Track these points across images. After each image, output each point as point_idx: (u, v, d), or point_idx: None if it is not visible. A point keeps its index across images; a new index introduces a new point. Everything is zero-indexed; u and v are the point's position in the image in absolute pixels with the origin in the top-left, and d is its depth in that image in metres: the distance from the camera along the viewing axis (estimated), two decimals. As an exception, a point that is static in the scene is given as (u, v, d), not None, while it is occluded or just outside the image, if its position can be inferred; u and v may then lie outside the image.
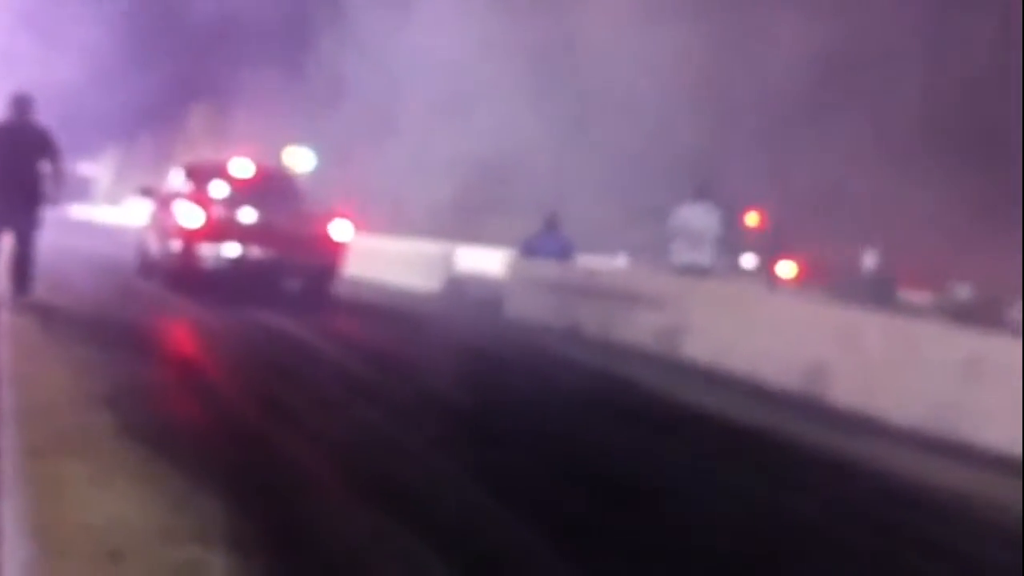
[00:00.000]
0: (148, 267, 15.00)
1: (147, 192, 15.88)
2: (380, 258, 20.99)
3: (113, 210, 50.47)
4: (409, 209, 33.98)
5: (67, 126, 14.62)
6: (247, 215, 13.30)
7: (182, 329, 10.52)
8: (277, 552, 3.74)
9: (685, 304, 11.50)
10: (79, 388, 6.20)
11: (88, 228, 36.32)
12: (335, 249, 13.67)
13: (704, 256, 12.05)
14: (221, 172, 14.52)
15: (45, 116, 10.96)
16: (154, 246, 14.61)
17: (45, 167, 10.53)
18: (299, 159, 36.69)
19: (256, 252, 12.92)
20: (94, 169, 72.94)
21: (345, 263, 14.09)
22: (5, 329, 8.38)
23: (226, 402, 6.59)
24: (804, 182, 23.94)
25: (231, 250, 12.88)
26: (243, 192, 13.91)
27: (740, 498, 5.48)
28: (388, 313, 14.18)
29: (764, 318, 10.37)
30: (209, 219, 12.97)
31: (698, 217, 12.05)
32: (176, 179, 15.03)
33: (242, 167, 14.64)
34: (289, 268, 13.14)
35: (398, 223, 25.17)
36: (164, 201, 14.61)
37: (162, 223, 14.23)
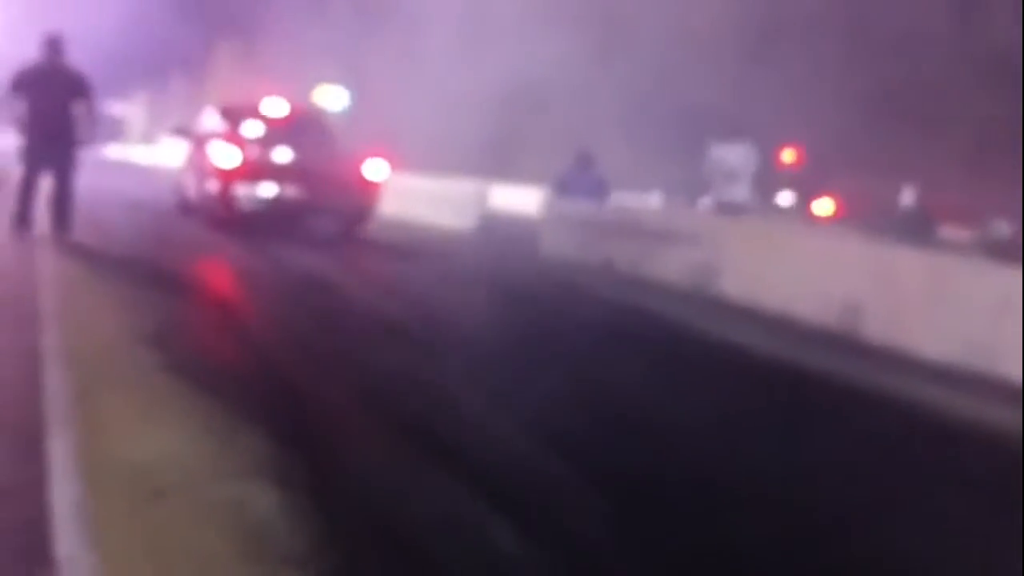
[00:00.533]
0: (185, 207, 15.15)
1: (182, 132, 16.04)
2: (414, 197, 20.99)
3: (147, 150, 50.69)
4: (441, 144, 33.90)
5: (100, 67, 14.68)
6: (282, 155, 13.41)
7: (221, 269, 10.61)
8: (319, 489, 3.81)
9: (719, 241, 11.48)
10: (123, 327, 6.29)
11: (123, 168, 36.53)
12: (370, 189, 13.75)
13: (740, 193, 12.01)
14: (255, 112, 14.53)
15: (77, 57, 11.02)
16: (191, 186, 14.78)
17: (79, 108, 10.61)
18: (331, 97, 36.57)
19: (292, 192, 13.05)
20: (127, 109, 73.34)
21: (380, 203, 14.13)
22: (48, 269, 8.50)
23: (266, 341, 6.67)
24: (836, 118, 23.66)
25: (267, 190, 13.01)
26: (278, 132, 13.99)
27: (762, 429, 5.54)
28: (423, 252, 14.22)
29: (798, 255, 10.33)
30: (245, 159, 13.14)
31: (734, 155, 11.99)
32: (211, 120, 15.10)
33: (276, 107, 14.66)
34: (324, 208, 13.21)
35: (430, 161, 25.11)
36: (199, 142, 14.69)
37: (198, 164, 14.37)
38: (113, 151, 55.65)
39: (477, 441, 4.69)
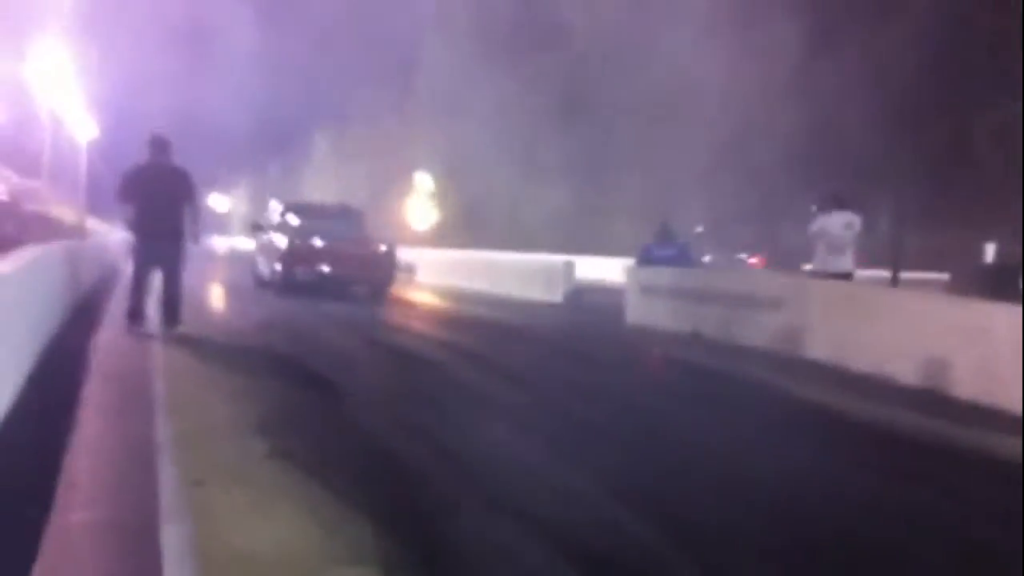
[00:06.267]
0: (259, 281, 20.39)
1: (256, 226, 21.53)
2: (502, 272, 21.39)
3: (247, 239, 53.33)
4: (527, 218, 34.62)
5: (202, 163, 15.84)
6: (326, 242, 18.12)
7: (320, 355, 10.84)
8: (427, 573, 3.95)
9: (803, 304, 11.57)
10: (232, 415, 6.57)
11: (228, 257, 38.02)
12: (388, 266, 18.85)
13: (846, 262, 12.14)
14: (307, 207, 21.05)
15: (181, 154, 11.50)
16: (263, 266, 20.13)
17: (185, 205, 11.03)
18: (422, 184, 39.90)
19: (335, 269, 18.07)
20: (229, 202, 79.58)
21: (394, 275, 19.30)
22: (160, 360, 8.90)
23: (364, 421, 6.84)
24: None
25: (317, 268, 17.95)
26: (322, 224, 19.03)
27: (850, 486, 5.59)
28: (512, 328, 14.58)
29: (884, 314, 10.34)
30: (300, 246, 18.03)
31: (838, 225, 12.14)
32: (275, 213, 20.36)
33: (323, 204, 21.93)
34: (357, 279, 18.43)
35: (515, 236, 25.69)
36: (267, 231, 19.97)
37: (267, 249, 19.68)
38: (218, 242, 60.13)
39: (572, 519, 4.73)
